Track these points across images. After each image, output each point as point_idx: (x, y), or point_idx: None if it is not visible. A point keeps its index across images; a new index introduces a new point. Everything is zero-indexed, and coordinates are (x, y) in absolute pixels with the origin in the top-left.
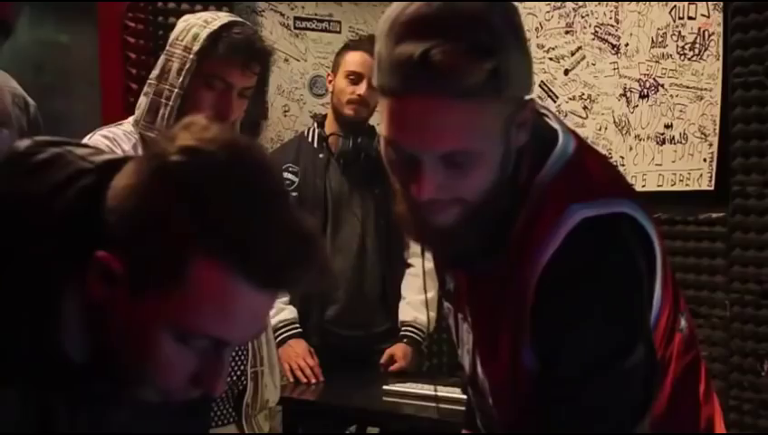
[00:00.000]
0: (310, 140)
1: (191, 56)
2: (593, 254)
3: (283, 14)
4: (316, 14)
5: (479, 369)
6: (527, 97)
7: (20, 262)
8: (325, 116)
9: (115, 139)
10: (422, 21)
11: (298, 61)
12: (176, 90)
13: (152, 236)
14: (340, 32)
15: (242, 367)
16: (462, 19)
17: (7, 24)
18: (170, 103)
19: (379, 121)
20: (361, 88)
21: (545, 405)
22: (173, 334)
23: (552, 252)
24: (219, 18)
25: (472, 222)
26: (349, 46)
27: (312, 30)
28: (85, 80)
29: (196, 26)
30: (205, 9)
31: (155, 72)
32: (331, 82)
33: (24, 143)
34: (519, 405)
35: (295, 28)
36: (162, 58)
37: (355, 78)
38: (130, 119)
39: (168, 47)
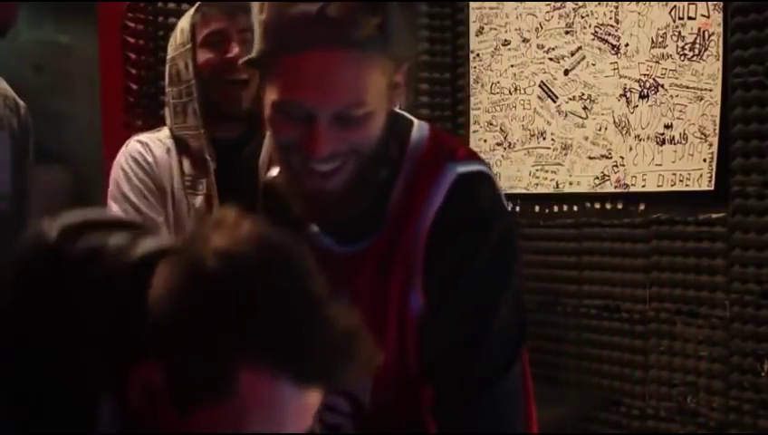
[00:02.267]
0: None
1: (188, 45)
2: (478, 201)
3: None
4: None
5: None
6: (406, 62)
7: (58, 364)
8: None
9: (148, 144)
10: None
11: None
12: (192, 80)
13: (194, 350)
14: None
15: None
16: None
17: (3, 24)
18: (193, 95)
19: None
20: None
21: (429, 347)
22: None
23: (438, 204)
24: (195, 5)
25: (360, 183)
26: None
27: None
28: (85, 80)
29: (180, 25)
30: None
31: (166, 82)
32: None
33: (52, 232)
34: (400, 379)
35: None
36: (167, 67)
37: None
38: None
39: (167, 58)
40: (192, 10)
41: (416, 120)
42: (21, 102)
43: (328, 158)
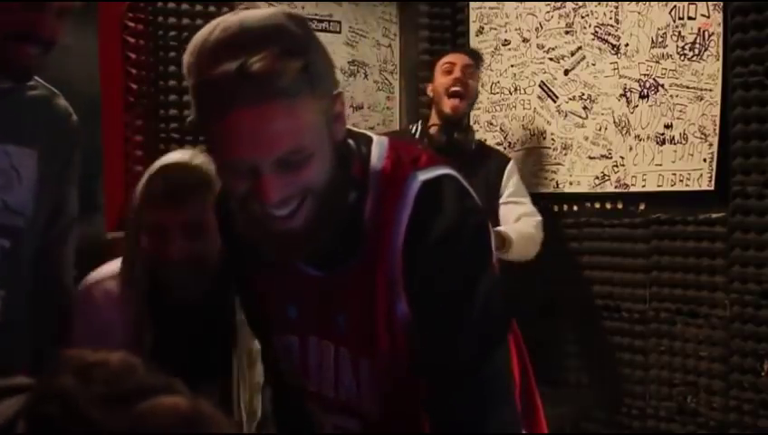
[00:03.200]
0: (413, 132)
1: (134, 223)
2: (443, 204)
3: None
4: (316, 14)
5: (348, 376)
6: (336, 91)
7: None
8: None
9: (107, 294)
10: (228, 42)
11: None
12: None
13: None
14: (340, 32)
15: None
16: (265, 31)
17: (44, 40)
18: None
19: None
20: (457, 72)
21: (416, 345)
22: None
23: (407, 215)
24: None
25: (322, 213)
26: (440, 55)
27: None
28: (85, 80)
29: (143, 178)
30: (204, 9)
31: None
32: (431, 89)
33: None
34: (400, 392)
35: None
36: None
37: (450, 66)
38: None
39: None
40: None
41: (375, 136)
42: (73, 118)
43: (280, 203)
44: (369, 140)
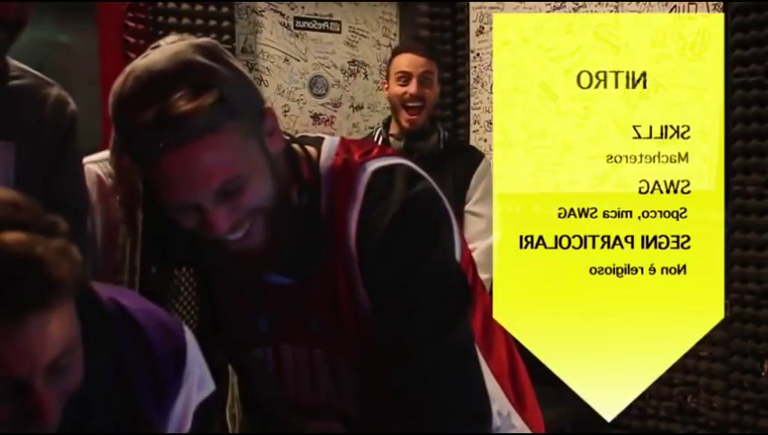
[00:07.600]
0: (375, 140)
1: None
2: (391, 190)
3: (283, 14)
4: (316, 14)
5: (326, 378)
6: (263, 107)
7: None
8: (390, 118)
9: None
10: (141, 91)
11: (298, 61)
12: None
13: None
14: (340, 32)
15: None
16: (174, 72)
17: (10, 25)
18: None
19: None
20: (412, 86)
21: (378, 334)
22: None
23: (358, 207)
24: None
25: (277, 226)
26: (395, 50)
27: (312, 30)
28: (85, 80)
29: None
30: (205, 9)
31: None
32: (387, 88)
33: None
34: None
35: (295, 28)
36: None
37: (405, 76)
38: None
39: None
40: None
41: (326, 137)
42: (70, 108)
43: (231, 229)
44: (320, 140)
